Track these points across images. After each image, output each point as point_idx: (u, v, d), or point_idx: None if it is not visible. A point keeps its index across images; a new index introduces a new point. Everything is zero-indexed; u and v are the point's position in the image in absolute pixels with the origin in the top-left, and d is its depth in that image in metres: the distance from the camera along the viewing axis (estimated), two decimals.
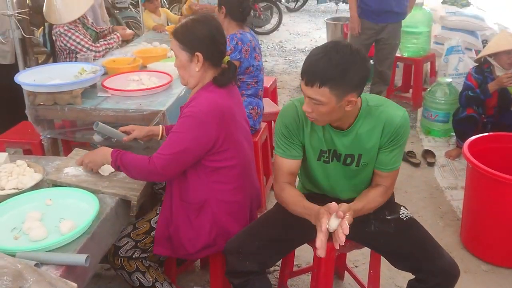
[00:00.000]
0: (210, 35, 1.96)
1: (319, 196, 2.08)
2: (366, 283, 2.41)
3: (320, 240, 1.66)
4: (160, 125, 2.33)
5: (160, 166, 1.90)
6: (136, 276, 2.09)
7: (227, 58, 2.07)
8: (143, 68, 3.37)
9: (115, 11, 6.65)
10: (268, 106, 3.72)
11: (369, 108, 1.86)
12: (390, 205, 2.05)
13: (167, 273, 2.33)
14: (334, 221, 1.68)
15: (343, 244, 1.66)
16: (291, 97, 5.65)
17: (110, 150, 2.03)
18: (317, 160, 1.98)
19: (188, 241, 2.04)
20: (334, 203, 1.72)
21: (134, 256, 2.08)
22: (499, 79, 3.55)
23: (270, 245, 1.93)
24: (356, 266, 2.77)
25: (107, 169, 2.11)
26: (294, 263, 2.60)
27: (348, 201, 1.90)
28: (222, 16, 3.05)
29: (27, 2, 3.96)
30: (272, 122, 3.75)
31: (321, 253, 1.66)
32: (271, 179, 3.58)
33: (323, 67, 1.66)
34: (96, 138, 2.32)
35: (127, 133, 2.26)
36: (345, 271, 2.63)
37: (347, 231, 1.65)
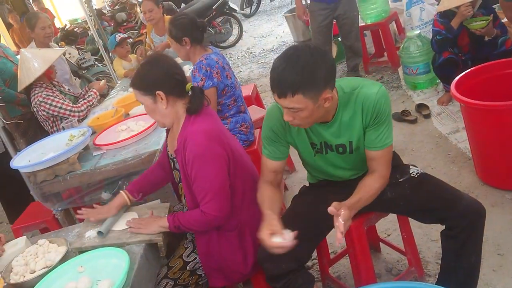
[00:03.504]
0: (163, 72, 2.01)
1: (329, 183, 2.13)
2: (402, 247, 2.45)
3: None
4: (121, 192, 2.32)
5: (216, 212, 1.95)
6: None
7: (189, 85, 2.09)
8: (127, 116, 3.42)
9: (83, 72, 6.71)
10: (255, 113, 3.77)
11: (345, 95, 1.88)
12: (399, 168, 2.09)
13: None
14: (276, 238, 1.78)
15: (342, 242, 1.69)
16: None
17: (163, 218, 2.08)
18: (314, 156, 2.02)
19: (240, 265, 2.09)
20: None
21: None
22: (459, 12, 3.60)
23: (300, 240, 1.96)
24: (388, 235, 2.80)
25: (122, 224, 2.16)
26: (330, 251, 2.63)
27: (358, 180, 1.95)
28: (188, 47, 3.01)
29: None
30: None
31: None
32: (282, 180, 3.61)
33: (289, 77, 1.68)
34: (105, 196, 2.36)
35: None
36: (380, 243, 2.66)
37: (342, 228, 1.68)
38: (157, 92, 1.98)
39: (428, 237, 2.67)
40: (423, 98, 4.40)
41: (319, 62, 1.69)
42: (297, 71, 1.67)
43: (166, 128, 2.15)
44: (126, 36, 5.44)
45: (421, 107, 4.18)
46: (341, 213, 1.71)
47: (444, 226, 1.95)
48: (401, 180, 2.03)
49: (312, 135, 1.96)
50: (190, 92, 2.09)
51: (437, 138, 3.68)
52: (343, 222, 1.69)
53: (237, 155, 2.06)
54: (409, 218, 2.19)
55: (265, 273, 2.02)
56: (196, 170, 1.94)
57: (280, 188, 2.12)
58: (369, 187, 1.92)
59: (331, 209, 1.72)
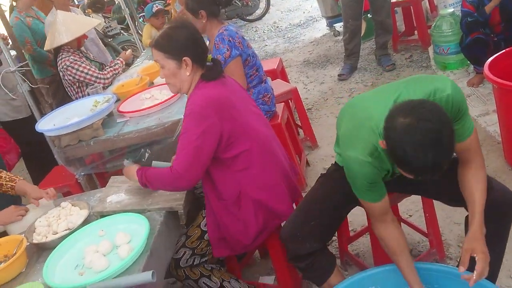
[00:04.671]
0: (192, 38, 1.99)
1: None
2: (424, 228, 2.41)
3: None
4: None
5: (182, 171, 1.92)
6: (203, 282, 2.13)
7: (209, 56, 2.08)
8: (151, 84, 3.42)
9: (108, 40, 6.72)
10: (280, 86, 3.72)
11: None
12: None
13: (230, 271, 2.37)
14: None
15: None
16: (300, 73, 5.65)
17: (135, 169, 2.09)
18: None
19: (241, 235, 2.07)
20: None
21: (195, 263, 2.12)
22: None
23: (324, 220, 1.94)
24: (410, 216, 2.76)
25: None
26: (350, 229, 2.61)
27: None
28: (204, 20, 2.94)
29: (24, 54, 4.04)
30: (289, 101, 3.76)
31: None
32: (304, 155, 3.59)
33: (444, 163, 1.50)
34: (126, 163, 2.36)
35: None
36: (401, 223, 2.61)
37: (485, 273, 1.59)
38: (184, 57, 1.96)
39: (451, 219, 2.62)
40: (453, 79, 4.27)
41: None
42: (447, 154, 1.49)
43: (178, 93, 2.14)
44: (163, 8, 5.40)
45: None
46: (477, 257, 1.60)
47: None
48: None
49: None
50: (210, 62, 2.07)
51: None
52: (484, 266, 1.59)
53: (240, 125, 2.01)
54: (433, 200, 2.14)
55: (287, 253, 2.00)
56: (184, 126, 1.95)
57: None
58: (478, 186, 1.72)
59: (464, 277, 1.61)
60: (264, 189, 2.05)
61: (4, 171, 2.35)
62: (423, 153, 1.43)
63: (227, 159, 2.01)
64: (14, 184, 2.28)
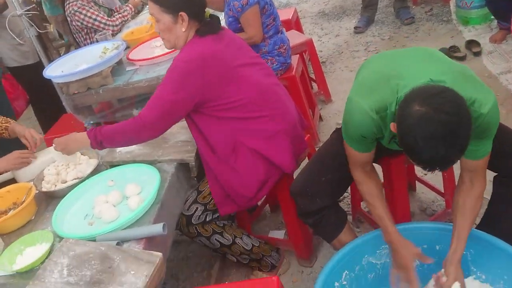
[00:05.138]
0: None
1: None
2: (440, 188, 2.35)
3: None
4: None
5: (149, 122, 1.86)
6: (215, 239, 2.09)
7: (208, 12, 1.98)
8: None
9: None
10: (295, 37, 3.59)
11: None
12: None
13: (241, 225, 2.35)
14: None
15: None
16: (315, 24, 5.46)
17: (83, 133, 1.98)
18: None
19: (243, 188, 2.00)
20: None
21: (207, 220, 2.07)
22: None
23: (336, 176, 1.87)
24: (425, 174, 2.69)
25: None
26: None
27: None
28: None
29: None
30: (303, 53, 3.63)
31: None
32: (317, 110, 3.50)
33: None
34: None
35: None
36: (416, 181, 2.56)
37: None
38: (180, 12, 1.86)
39: None
40: (475, 34, 4.10)
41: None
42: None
43: (173, 48, 2.04)
44: None
45: (471, 43, 3.90)
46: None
47: (498, 173, 1.82)
48: None
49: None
50: (208, 18, 1.97)
51: (486, 78, 3.45)
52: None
53: (240, 81, 1.93)
54: None
55: (297, 208, 1.95)
56: (165, 78, 1.88)
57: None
58: (473, 220, 1.65)
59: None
60: (261, 138, 1.97)
61: None
62: (434, 146, 1.32)
63: (217, 113, 1.93)
64: (8, 125, 2.29)
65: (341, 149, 1.82)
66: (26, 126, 2.31)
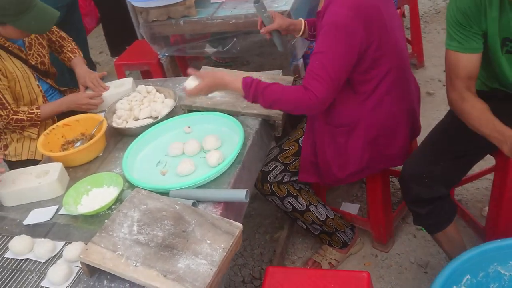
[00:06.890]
0: None
1: (506, 95, 1.67)
2: None
3: None
4: (302, 19, 1.94)
5: (317, 92, 1.52)
6: (289, 201, 1.90)
7: None
8: None
9: None
10: None
11: None
12: None
13: (316, 193, 2.13)
14: None
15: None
16: None
17: (237, 80, 1.63)
18: (501, 54, 1.54)
19: (337, 167, 1.78)
20: None
21: (284, 180, 1.87)
22: None
23: (456, 162, 1.60)
24: None
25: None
26: None
27: None
28: None
29: None
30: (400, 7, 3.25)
31: None
32: None
33: None
34: (209, 50, 2.05)
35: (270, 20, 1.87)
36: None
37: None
38: None
39: None
40: None
41: None
42: None
43: None
44: None
45: None
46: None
47: None
48: None
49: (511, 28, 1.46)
50: None
51: None
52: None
53: (391, 45, 1.64)
54: None
55: (407, 195, 1.69)
56: (322, 41, 1.55)
57: None
58: None
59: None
60: (383, 127, 1.72)
61: (73, 43, 2.27)
62: None
63: (359, 81, 1.65)
64: (72, 57, 2.21)
65: (462, 130, 1.54)
66: (93, 46, 2.13)
